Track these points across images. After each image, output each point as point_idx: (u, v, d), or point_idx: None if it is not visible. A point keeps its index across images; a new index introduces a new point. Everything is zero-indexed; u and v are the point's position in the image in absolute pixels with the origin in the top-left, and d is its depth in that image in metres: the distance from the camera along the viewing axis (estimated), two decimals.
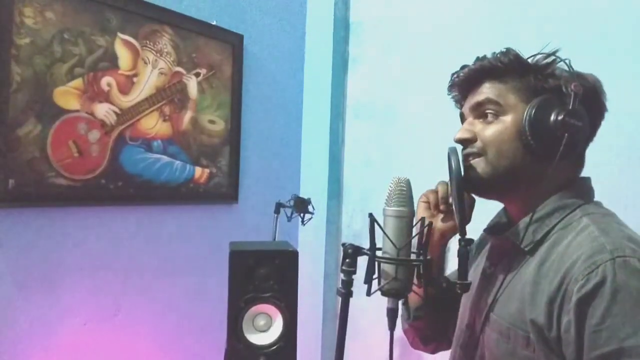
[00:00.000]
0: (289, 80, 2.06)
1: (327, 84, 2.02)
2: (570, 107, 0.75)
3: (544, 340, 0.71)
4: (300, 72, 2.11)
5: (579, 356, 0.67)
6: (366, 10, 2.03)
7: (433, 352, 1.08)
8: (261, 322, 0.93)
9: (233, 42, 1.79)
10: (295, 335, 0.93)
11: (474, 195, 0.95)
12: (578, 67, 0.80)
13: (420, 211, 0.97)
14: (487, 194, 0.88)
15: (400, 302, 1.04)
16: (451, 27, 1.70)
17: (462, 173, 0.84)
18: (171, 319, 1.63)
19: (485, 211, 0.96)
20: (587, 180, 0.85)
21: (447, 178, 0.90)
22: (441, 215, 0.97)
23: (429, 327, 1.02)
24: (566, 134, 0.74)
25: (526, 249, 0.79)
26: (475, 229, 0.98)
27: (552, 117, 0.76)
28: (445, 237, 0.98)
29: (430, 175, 1.00)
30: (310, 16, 2.11)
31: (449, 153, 0.85)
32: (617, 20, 1.32)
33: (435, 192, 0.98)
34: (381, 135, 1.93)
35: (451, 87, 0.92)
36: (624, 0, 1.31)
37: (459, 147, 0.87)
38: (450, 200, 0.94)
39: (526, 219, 0.80)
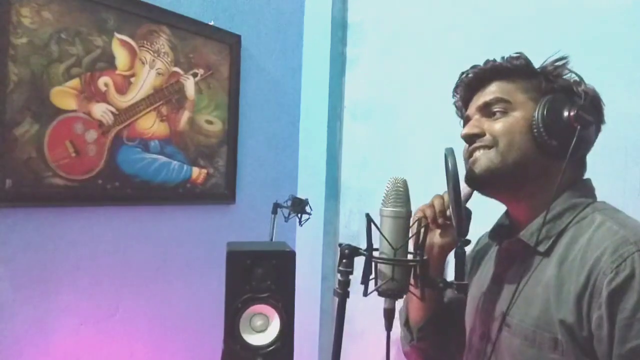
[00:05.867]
0: (286, 80, 2.06)
1: (325, 84, 2.02)
2: (582, 103, 0.77)
3: (574, 340, 0.70)
4: (298, 72, 2.11)
5: (612, 351, 0.66)
6: (364, 11, 2.03)
7: None
8: (258, 322, 0.93)
9: (230, 43, 1.79)
10: (292, 336, 0.93)
11: (471, 205, 0.95)
12: (576, 69, 0.82)
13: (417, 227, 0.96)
14: (493, 189, 0.87)
15: (402, 324, 1.03)
16: (449, 28, 1.71)
17: (459, 175, 0.84)
18: (168, 320, 1.63)
19: (483, 219, 0.95)
20: (589, 181, 0.86)
21: (444, 180, 0.90)
22: (439, 230, 0.96)
23: (432, 347, 1.00)
24: (579, 127, 0.75)
25: (541, 250, 0.78)
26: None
27: (565, 113, 0.77)
28: (445, 251, 0.96)
29: (428, 176, 1.00)
30: (308, 16, 2.11)
31: (445, 154, 0.85)
32: (615, 21, 1.32)
33: (432, 206, 0.96)
34: (379, 136, 1.93)
35: (458, 87, 0.92)
36: (621, 2, 1.31)
37: (458, 148, 0.87)
38: (448, 212, 0.93)
39: (539, 220, 0.79)
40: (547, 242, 0.78)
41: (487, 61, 0.87)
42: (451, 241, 0.94)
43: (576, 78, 0.81)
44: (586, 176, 0.87)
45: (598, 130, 0.84)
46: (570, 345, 0.70)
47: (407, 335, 1.03)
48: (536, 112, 0.79)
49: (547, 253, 0.78)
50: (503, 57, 0.86)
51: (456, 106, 0.94)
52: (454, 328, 0.96)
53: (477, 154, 0.84)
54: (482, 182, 0.85)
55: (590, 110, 0.78)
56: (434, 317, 0.98)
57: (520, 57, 0.84)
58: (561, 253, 0.76)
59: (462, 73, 0.91)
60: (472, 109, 0.88)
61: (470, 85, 0.89)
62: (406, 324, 1.04)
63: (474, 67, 0.89)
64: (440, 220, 0.95)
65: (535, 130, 0.79)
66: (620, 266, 0.67)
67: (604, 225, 0.74)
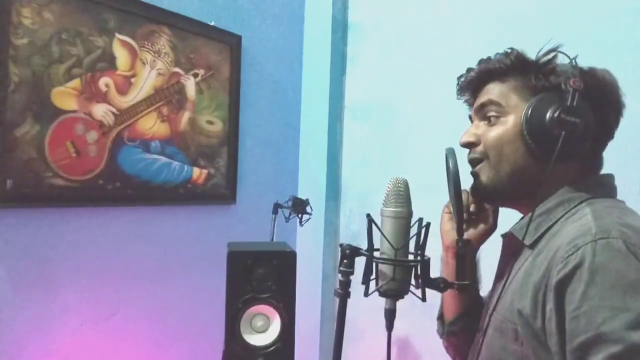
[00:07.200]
0: (287, 80, 2.06)
1: (325, 84, 2.02)
2: (568, 104, 0.72)
3: (531, 331, 0.69)
4: (299, 72, 2.11)
5: (563, 346, 0.64)
6: (364, 11, 2.03)
7: None
8: (259, 322, 0.93)
9: (231, 43, 1.79)
10: (293, 336, 0.93)
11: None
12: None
13: (445, 222, 0.95)
14: (497, 201, 0.88)
15: (437, 317, 1.03)
16: (449, 27, 1.71)
17: (459, 174, 0.84)
18: (169, 320, 1.63)
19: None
20: (604, 177, 0.82)
21: (445, 179, 0.90)
22: (464, 225, 0.94)
23: (466, 343, 0.97)
24: (563, 132, 0.71)
25: (527, 243, 0.77)
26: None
27: (549, 115, 0.74)
28: (473, 246, 0.95)
29: (429, 175, 1.00)
30: (309, 17, 2.12)
31: (446, 154, 0.85)
32: (615, 21, 1.32)
33: None
34: (379, 136, 1.94)
35: (459, 91, 0.92)
36: (621, 2, 1.31)
37: (458, 148, 0.87)
38: (472, 208, 0.92)
39: (529, 215, 0.78)
40: (534, 235, 0.77)
41: (480, 61, 0.86)
42: (478, 234, 0.93)
43: (569, 71, 0.76)
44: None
45: (608, 121, 0.79)
46: (529, 337, 0.69)
47: (439, 329, 1.02)
48: (522, 117, 0.77)
49: (532, 246, 0.77)
50: (496, 54, 0.84)
51: (467, 103, 0.94)
52: None
53: (476, 168, 0.85)
54: (485, 197, 0.87)
55: (581, 108, 0.73)
56: (466, 313, 0.96)
57: (512, 54, 0.82)
58: (541, 247, 0.75)
59: (459, 77, 0.91)
60: (472, 112, 0.88)
61: (468, 88, 0.89)
62: (440, 317, 1.03)
63: (469, 70, 0.88)
64: (465, 216, 0.92)
65: (523, 137, 0.77)
66: (572, 256, 0.64)
67: (582, 219, 0.71)
